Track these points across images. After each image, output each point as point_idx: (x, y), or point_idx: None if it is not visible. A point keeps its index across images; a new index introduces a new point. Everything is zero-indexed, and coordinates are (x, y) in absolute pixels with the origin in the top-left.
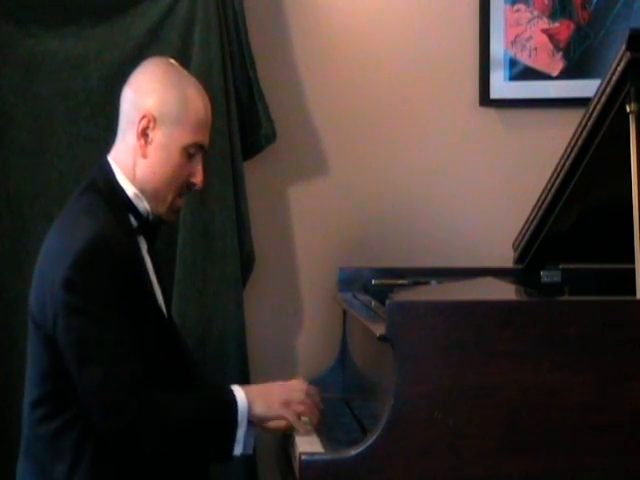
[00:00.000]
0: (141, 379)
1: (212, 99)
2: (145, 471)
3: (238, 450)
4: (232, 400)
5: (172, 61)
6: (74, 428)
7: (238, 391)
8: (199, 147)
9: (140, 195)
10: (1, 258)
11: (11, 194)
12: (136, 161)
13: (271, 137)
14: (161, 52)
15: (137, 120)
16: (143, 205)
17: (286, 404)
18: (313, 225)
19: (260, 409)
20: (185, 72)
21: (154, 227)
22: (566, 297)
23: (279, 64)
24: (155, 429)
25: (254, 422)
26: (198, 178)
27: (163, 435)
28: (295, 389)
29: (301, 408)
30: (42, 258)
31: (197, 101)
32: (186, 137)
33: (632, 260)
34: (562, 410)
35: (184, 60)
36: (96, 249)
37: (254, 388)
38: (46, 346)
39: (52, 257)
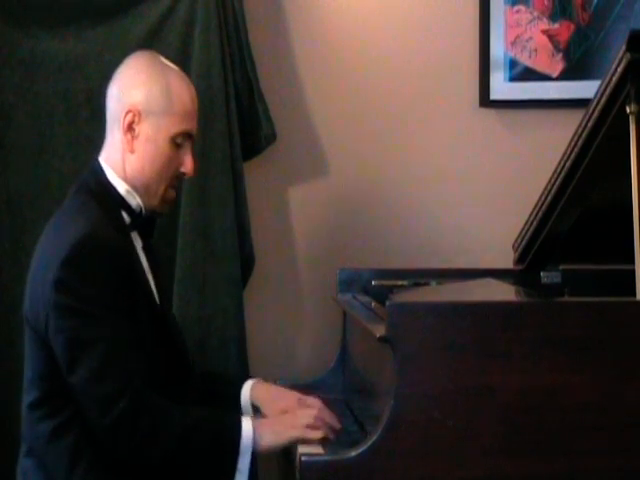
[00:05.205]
0: (134, 378)
1: (212, 100)
2: (142, 475)
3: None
4: (236, 425)
5: (154, 53)
6: (72, 429)
7: (246, 421)
8: (187, 136)
9: (132, 191)
10: (1, 258)
11: (11, 194)
12: (125, 157)
13: (271, 138)
14: (161, 53)
15: (122, 116)
16: (136, 201)
17: (294, 426)
18: (313, 226)
19: (268, 440)
20: (168, 62)
21: (148, 223)
22: (566, 298)
23: (279, 64)
24: (149, 431)
25: (265, 452)
26: (188, 167)
27: (157, 439)
28: (304, 414)
29: (311, 422)
30: (34, 261)
31: (181, 89)
32: (172, 127)
33: (632, 261)
34: (562, 410)
35: (184, 61)
36: (85, 249)
37: (263, 420)
38: (41, 348)
39: (43, 259)
